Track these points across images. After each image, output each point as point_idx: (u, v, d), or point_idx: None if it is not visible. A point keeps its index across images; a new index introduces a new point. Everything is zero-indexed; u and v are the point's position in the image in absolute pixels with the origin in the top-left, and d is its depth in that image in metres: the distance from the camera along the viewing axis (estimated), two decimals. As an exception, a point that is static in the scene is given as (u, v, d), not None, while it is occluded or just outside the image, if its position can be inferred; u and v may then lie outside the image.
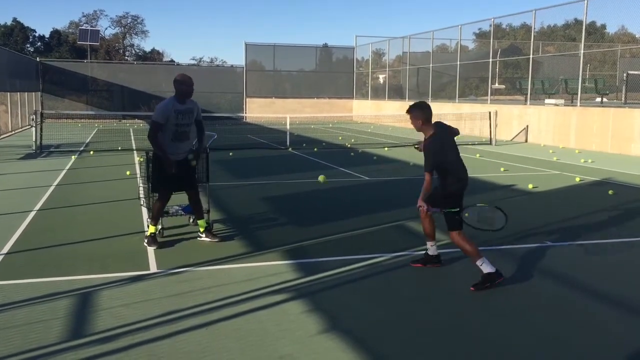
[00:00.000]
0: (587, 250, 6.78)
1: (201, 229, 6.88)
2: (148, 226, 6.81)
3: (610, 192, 10.36)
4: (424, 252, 5.98)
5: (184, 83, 6.50)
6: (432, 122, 5.52)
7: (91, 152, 16.49)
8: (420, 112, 5.47)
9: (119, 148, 17.43)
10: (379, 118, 31.78)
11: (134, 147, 17.80)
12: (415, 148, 5.83)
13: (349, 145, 19.35)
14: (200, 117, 6.78)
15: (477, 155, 16.59)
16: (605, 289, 5.40)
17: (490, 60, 24.80)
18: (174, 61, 52.88)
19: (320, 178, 6.39)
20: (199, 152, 6.80)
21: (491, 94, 25.13)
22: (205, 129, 6.94)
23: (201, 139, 6.86)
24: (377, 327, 4.47)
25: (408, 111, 5.56)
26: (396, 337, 4.31)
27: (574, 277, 5.72)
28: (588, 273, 5.90)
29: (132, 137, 21.87)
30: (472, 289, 5.21)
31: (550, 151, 17.68)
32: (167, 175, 6.51)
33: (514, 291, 5.29)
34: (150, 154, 7.12)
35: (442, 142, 5.44)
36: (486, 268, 5.23)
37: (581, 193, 10.65)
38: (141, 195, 7.97)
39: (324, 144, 19.91)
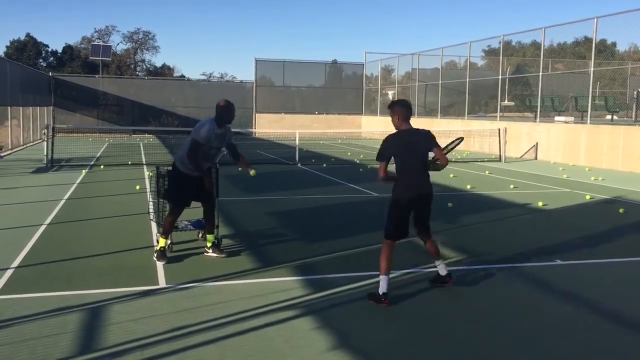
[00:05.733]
0: (598, 268, 6.72)
1: (208, 244, 6.89)
2: (158, 241, 6.84)
3: (620, 210, 10.29)
4: (436, 270, 5.87)
5: (229, 109, 6.66)
6: (408, 124, 5.72)
7: (101, 167, 16.59)
8: (397, 109, 5.71)
9: (129, 162, 17.52)
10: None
11: (144, 162, 17.90)
12: (431, 167, 5.80)
13: (357, 161, 19.36)
14: (232, 140, 6.98)
15: (487, 172, 16.54)
16: (616, 308, 5.34)
17: (500, 77, 24.82)
18: (185, 76, 53.32)
19: (252, 172, 6.81)
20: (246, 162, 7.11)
21: (500, 111, 25.10)
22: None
23: (237, 156, 7.08)
24: (387, 345, 4.44)
25: (389, 106, 5.79)
26: (407, 355, 4.28)
27: (584, 296, 5.67)
28: (599, 292, 5.84)
29: (142, 152, 21.99)
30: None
31: (560, 169, 17.61)
32: (185, 190, 6.64)
33: (524, 310, 5.25)
34: (161, 169, 7.16)
35: (398, 139, 5.67)
36: (381, 287, 5.29)
37: (591, 211, 10.58)
38: (151, 210, 8.00)
39: (332, 159, 19.93)
